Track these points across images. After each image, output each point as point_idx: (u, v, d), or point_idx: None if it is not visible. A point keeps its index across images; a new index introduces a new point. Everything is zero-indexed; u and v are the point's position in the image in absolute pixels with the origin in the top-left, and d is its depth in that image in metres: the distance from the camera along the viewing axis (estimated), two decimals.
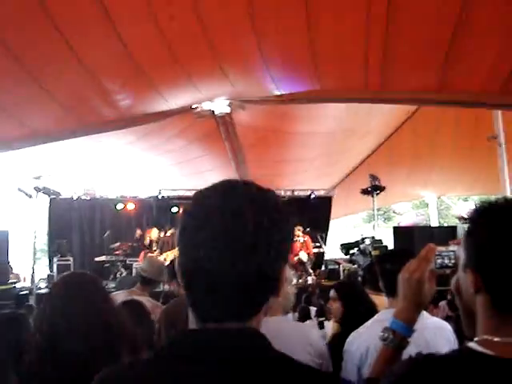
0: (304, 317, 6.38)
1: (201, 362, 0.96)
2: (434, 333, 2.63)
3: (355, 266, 13.07)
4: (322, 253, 16.05)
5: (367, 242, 12.70)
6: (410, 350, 1.48)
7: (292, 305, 3.08)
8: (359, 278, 9.74)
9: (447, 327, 2.80)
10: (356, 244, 13.27)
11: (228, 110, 11.92)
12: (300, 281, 13.62)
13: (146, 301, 3.54)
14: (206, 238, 0.98)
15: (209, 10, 6.97)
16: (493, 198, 1.30)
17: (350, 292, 3.89)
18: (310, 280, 13.85)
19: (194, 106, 11.45)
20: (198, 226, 1.01)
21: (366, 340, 2.61)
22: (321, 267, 15.79)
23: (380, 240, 12.58)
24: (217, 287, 0.98)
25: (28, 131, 9.20)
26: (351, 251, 13.13)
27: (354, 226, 35.47)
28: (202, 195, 1.07)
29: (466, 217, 1.30)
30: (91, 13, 6.63)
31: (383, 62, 7.67)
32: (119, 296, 3.83)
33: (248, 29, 7.33)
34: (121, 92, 9.01)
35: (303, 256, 14.07)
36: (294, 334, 2.79)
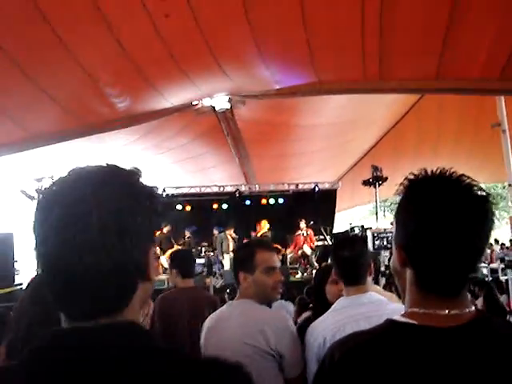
0: (302, 308, 6.35)
1: (74, 364, 0.88)
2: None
3: None
4: (327, 246, 16.03)
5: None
6: None
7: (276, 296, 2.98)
8: None
9: None
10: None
11: (228, 105, 11.90)
12: (305, 274, 13.61)
13: None
14: (50, 232, 0.91)
15: (203, 5, 6.95)
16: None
17: None
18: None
19: (194, 103, 11.44)
20: (42, 220, 0.94)
21: (324, 330, 2.56)
22: (326, 260, 15.74)
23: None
24: (73, 282, 0.91)
25: (29, 134, 9.21)
26: None
27: (360, 218, 35.42)
28: (49, 186, 0.99)
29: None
30: (85, 13, 6.62)
31: (380, 51, 7.63)
32: None
33: (243, 22, 7.30)
34: (119, 91, 9.01)
35: (307, 249, 14.06)
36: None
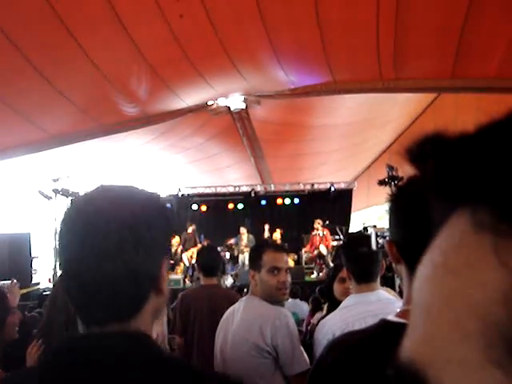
0: (316, 308, 6.35)
1: (85, 368, 0.96)
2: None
3: None
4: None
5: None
6: None
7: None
8: None
9: None
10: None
11: (243, 105, 11.91)
12: (321, 274, 13.57)
13: None
14: (73, 239, 0.99)
15: (217, 5, 6.98)
16: None
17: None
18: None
19: (209, 103, 11.48)
20: (67, 230, 1.01)
21: (332, 326, 2.58)
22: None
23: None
24: (89, 289, 0.98)
25: (46, 134, 9.32)
26: None
27: (378, 217, 35.11)
28: (74, 200, 1.08)
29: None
30: (100, 15, 6.69)
31: (395, 51, 7.60)
32: None
33: (258, 23, 7.32)
34: (135, 92, 9.07)
35: (323, 249, 13.99)
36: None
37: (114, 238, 0.97)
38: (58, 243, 1.04)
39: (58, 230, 1.04)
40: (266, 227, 15.15)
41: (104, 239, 0.97)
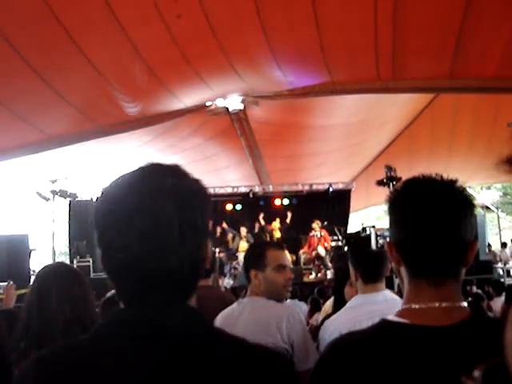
0: (314, 308, 6.36)
1: (137, 338, 0.98)
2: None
3: None
4: (341, 246, 15.84)
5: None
6: None
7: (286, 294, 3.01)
8: None
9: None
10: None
11: (241, 106, 11.89)
12: (319, 275, 13.55)
13: None
14: (133, 240, 0.99)
15: (215, 5, 6.96)
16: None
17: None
18: (329, 274, 13.70)
19: (207, 104, 11.46)
20: (121, 230, 1.00)
21: (339, 326, 2.58)
22: (340, 261, 15.51)
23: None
24: (155, 282, 1.01)
25: (44, 136, 9.30)
26: None
27: (376, 218, 35.14)
28: (118, 194, 1.05)
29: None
30: (98, 15, 6.67)
31: (394, 51, 7.59)
32: None
33: (255, 23, 7.30)
34: (133, 93, 9.05)
35: (321, 250, 13.98)
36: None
37: (177, 232, 1.00)
38: (107, 243, 1.03)
39: (105, 228, 1.03)
40: (261, 216, 15.24)
41: (168, 236, 1.00)
